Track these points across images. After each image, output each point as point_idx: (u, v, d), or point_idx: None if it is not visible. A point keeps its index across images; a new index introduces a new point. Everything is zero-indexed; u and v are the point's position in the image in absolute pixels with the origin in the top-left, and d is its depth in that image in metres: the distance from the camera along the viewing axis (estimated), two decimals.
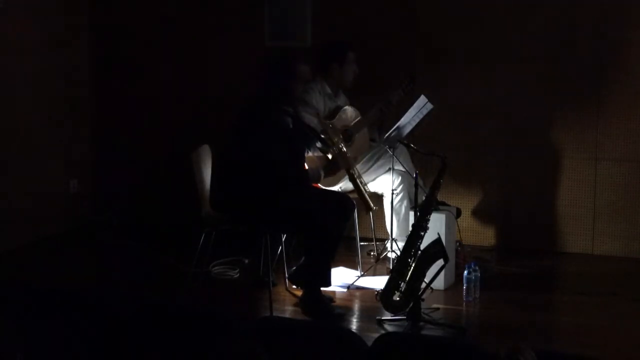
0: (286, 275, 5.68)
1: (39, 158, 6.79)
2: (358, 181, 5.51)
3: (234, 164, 5.28)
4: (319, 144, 5.47)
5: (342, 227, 5.44)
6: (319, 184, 5.67)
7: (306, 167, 5.51)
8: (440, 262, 5.13)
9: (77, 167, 7.22)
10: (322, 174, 5.40)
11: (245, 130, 5.23)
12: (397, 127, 5.74)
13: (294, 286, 5.59)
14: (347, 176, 5.86)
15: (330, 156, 5.46)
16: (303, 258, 5.45)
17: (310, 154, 5.60)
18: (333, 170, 5.46)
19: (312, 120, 5.53)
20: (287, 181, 5.23)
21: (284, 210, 5.20)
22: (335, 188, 5.86)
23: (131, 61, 7.25)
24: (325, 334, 3.36)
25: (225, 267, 6.06)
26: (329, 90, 5.98)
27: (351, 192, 5.99)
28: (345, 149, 5.49)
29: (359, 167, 6.05)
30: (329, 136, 5.42)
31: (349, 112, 6.01)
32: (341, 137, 5.69)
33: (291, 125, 5.33)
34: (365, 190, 5.54)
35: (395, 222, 6.06)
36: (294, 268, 5.57)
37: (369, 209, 5.54)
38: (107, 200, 7.30)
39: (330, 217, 5.24)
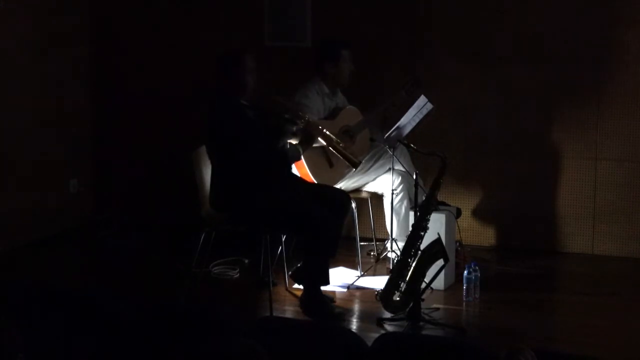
0: (286, 275, 5.69)
1: (39, 158, 6.79)
2: (335, 144, 5.50)
3: (218, 164, 5.29)
4: (286, 124, 5.45)
5: (340, 223, 5.44)
6: (315, 180, 5.67)
7: (305, 167, 5.52)
8: (440, 262, 5.13)
9: (77, 167, 7.22)
10: (301, 149, 5.38)
11: (213, 131, 5.25)
12: (397, 127, 5.74)
13: (296, 284, 5.58)
14: (346, 175, 5.87)
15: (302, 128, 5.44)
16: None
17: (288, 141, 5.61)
18: (309, 141, 5.42)
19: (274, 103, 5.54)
20: (267, 167, 5.24)
21: (281, 210, 5.20)
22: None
23: (131, 61, 7.25)
24: (325, 334, 3.36)
25: (225, 267, 6.06)
26: (326, 89, 5.97)
27: (352, 192, 6.00)
28: (312, 120, 5.47)
29: (359, 167, 6.05)
30: (293, 112, 5.40)
31: (351, 112, 6.01)
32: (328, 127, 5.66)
33: (252, 117, 5.32)
34: (344, 149, 5.53)
35: (395, 222, 6.05)
36: (297, 266, 5.57)
37: (354, 165, 5.56)
38: (107, 200, 7.30)
39: (327, 214, 5.24)
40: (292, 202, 5.24)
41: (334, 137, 5.54)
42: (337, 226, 5.39)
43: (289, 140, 5.59)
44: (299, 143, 5.40)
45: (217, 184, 5.32)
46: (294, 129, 5.38)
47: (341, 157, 5.56)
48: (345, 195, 5.60)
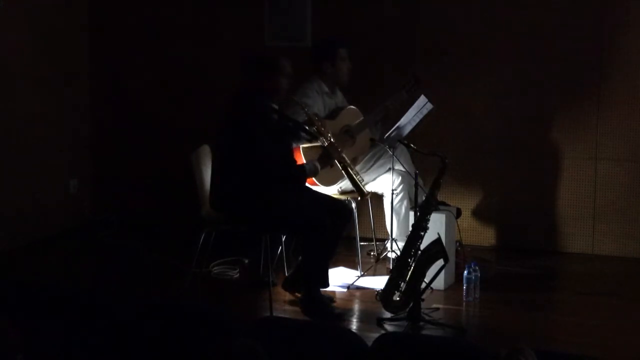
0: (286, 275, 5.68)
1: (39, 158, 6.79)
2: (349, 169, 5.50)
3: (226, 164, 5.28)
4: (305, 136, 5.44)
5: (340, 232, 5.43)
6: (318, 183, 5.67)
7: (303, 161, 5.52)
8: (440, 262, 5.13)
9: (77, 167, 7.23)
10: (319, 166, 5.38)
11: (232, 129, 5.24)
12: (397, 127, 5.75)
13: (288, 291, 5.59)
14: (345, 176, 5.86)
15: (321, 146, 5.43)
16: (299, 260, 5.45)
17: (299, 145, 5.58)
18: (327, 161, 5.41)
19: (299, 113, 5.52)
20: (280, 177, 5.23)
21: (282, 211, 5.20)
22: (335, 187, 5.86)
23: (131, 61, 7.25)
24: (325, 334, 3.36)
25: (225, 267, 6.06)
26: (326, 88, 5.97)
27: (351, 192, 6.00)
28: (333, 140, 5.47)
29: (359, 167, 6.06)
30: (316, 127, 5.40)
31: (351, 112, 6.01)
32: (330, 129, 5.64)
33: (276, 120, 5.32)
34: (357, 177, 5.53)
35: (395, 222, 6.06)
36: (287, 276, 5.57)
37: (362, 195, 5.55)
38: (107, 200, 7.30)
39: (328, 220, 5.23)
40: (293, 203, 5.24)
41: (349, 161, 5.55)
42: (337, 234, 5.38)
43: (303, 145, 5.59)
44: (317, 160, 5.38)
45: (220, 184, 5.31)
46: (308, 137, 5.39)
47: (352, 185, 5.56)
48: (347, 206, 5.58)
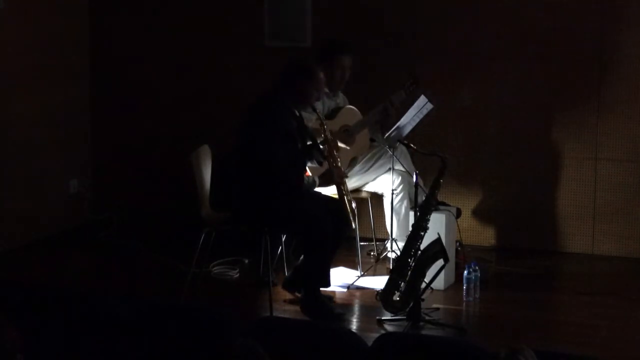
0: (286, 275, 5.68)
1: (39, 158, 6.78)
2: (345, 197, 5.49)
3: (236, 161, 5.28)
4: (319, 158, 5.42)
5: (341, 236, 5.42)
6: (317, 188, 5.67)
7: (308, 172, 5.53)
8: (440, 262, 5.13)
9: (77, 167, 7.22)
10: (317, 181, 5.40)
11: (251, 126, 5.24)
12: (397, 127, 5.74)
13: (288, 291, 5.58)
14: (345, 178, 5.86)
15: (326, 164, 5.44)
16: (300, 261, 5.45)
17: (308, 164, 5.57)
18: (327, 181, 5.43)
19: (315, 129, 5.53)
20: (283, 181, 5.22)
21: (283, 212, 5.20)
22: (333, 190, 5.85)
23: (131, 61, 7.24)
24: (325, 334, 3.36)
25: (225, 267, 6.06)
26: (326, 89, 5.95)
27: (352, 191, 5.99)
28: (340, 164, 5.47)
29: (358, 167, 6.06)
30: (329, 147, 5.40)
31: (350, 112, 6.01)
32: (340, 146, 5.65)
33: (295, 127, 5.31)
34: (350, 206, 5.50)
35: (395, 222, 6.05)
36: (287, 276, 5.57)
37: (349, 226, 5.49)
38: (107, 200, 7.30)
39: (330, 223, 5.22)
40: (294, 203, 5.23)
41: (347, 186, 5.55)
42: (338, 237, 5.36)
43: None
44: (319, 177, 5.40)
45: (221, 183, 5.31)
46: (321, 160, 5.39)
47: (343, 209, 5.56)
48: (348, 215, 5.56)
